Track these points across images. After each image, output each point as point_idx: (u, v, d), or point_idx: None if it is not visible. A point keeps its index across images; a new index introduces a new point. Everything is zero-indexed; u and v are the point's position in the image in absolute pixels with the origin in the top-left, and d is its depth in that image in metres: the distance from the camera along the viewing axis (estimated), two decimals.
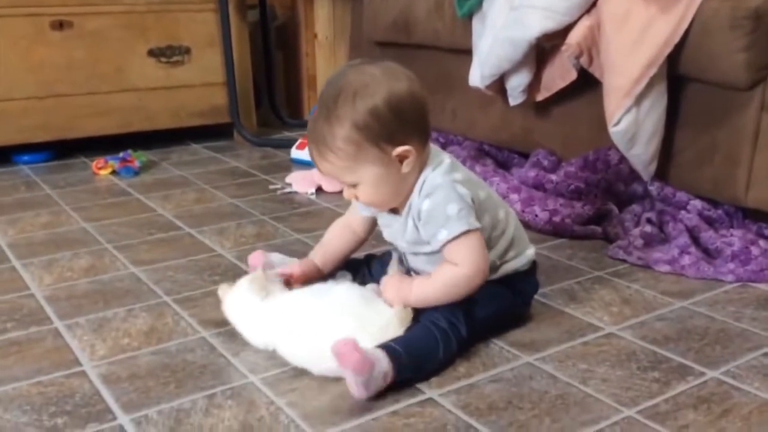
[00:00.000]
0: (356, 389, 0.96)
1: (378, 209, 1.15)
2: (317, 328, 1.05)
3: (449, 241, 1.06)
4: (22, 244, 1.60)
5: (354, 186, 1.08)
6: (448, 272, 1.08)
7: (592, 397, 0.99)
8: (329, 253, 1.24)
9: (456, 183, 1.07)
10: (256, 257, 1.30)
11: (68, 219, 1.77)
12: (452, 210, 1.05)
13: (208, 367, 1.08)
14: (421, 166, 1.08)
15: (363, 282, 1.20)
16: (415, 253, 1.14)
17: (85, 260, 1.50)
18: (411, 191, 1.09)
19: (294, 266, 1.21)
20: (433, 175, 1.07)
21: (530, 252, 1.19)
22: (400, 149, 1.04)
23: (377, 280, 1.16)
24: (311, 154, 1.09)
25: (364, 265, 1.26)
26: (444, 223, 1.05)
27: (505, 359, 1.09)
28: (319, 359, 1.02)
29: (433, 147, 1.12)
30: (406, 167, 1.06)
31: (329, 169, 1.07)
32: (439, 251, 1.08)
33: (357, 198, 1.10)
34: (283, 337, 1.08)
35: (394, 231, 1.15)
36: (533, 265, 1.21)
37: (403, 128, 1.04)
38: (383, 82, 1.02)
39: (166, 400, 0.99)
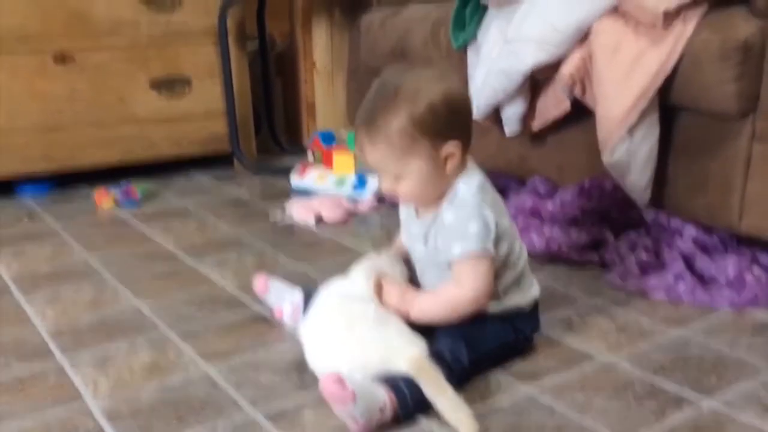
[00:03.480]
0: (347, 421, 0.98)
1: (416, 205, 1.18)
2: (330, 346, 1.09)
3: (460, 259, 1.09)
4: (26, 277, 1.62)
5: (398, 179, 1.12)
6: (451, 294, 1.12)
7: (589, 429, 1.00)
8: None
9: (484, 204, 1.10)
10: (260, 282, 1.36)
11: (71, 251, 1.79)
12: (473, 228, 1.08)
13: (210, 402, 1.09)
14: (459, 171, 1.12)
15: None
16: (430, 263, 1.17)
17: (87, 294, 1.52)
18: (443, 196, 1.13)
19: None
20: (465, 190, 1.11)
21: (534, 290, 1.21)
22: (449, 149, 1.09)
23: None
24: (359, 143, 1.12)
25: None
26: (461, 238, 1.09)
27: (503, 390, 1.11)
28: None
29: (471, 161, 1.16)
30: (450, 168, 1.10)
31: (377, 158, 1.11)
32: (448, 268, 1.11)
33: (395, 191, 1.13)
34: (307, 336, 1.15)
35: (412, 235, 1.19)
36: (535, 304, 1.22)
37: (454, 128, 1.09)
38: (439, 82, 1.09)
39: None
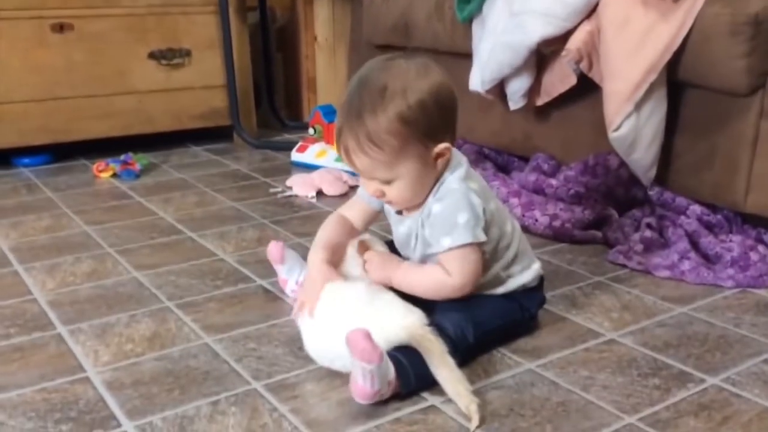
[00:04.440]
0: (361, 382, 0.96)
1: (404, 207, 1.13)
2: (325, 325, 1.07)
3: (450, 249, 1.06)
4: (24, 248, 1.61)
5: (388, 183, 1.06)
6: (438, 276, 1.09)
7: (593, 404, 1.00)
8: (337, 250, 1.20)
9: (471, 191, 1.07)
10: (277, 249, 1.31)
11: (70, 222, 1.78)
12: (462, 218, 1.05)
13: (212, 373, 1.09)
14: (447, 165, 1.09)
15: None
16: (425, 256, 1.14)
17: (87, 264, 1.51)
18: (430, 192, 1.09)
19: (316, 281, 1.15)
20: (450, 179, 1.08)
21: (536, 266, 1.19)
22: (441, 146, 1.05)
23: None
24: (345, 149, 1.05)
25: None
26: (450, 230, 1.05)
27: (506, 366, 1.10)
28: (322, 355, 1.08)
29: (454, 150, 1.12)
30: (440, 165, 1.07)
31: (366, 163, 1.04)
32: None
33: (383, 195, 1.08)
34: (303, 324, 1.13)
35: (400, 235, 1.15)
36: (540, 280, 1.21)
37: (443, 124, 1.05)
38: (426, 76, 1.03)
39: (170, 407, 1.00)
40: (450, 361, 1.00)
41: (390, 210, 1.17)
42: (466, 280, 1.08)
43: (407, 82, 1.02)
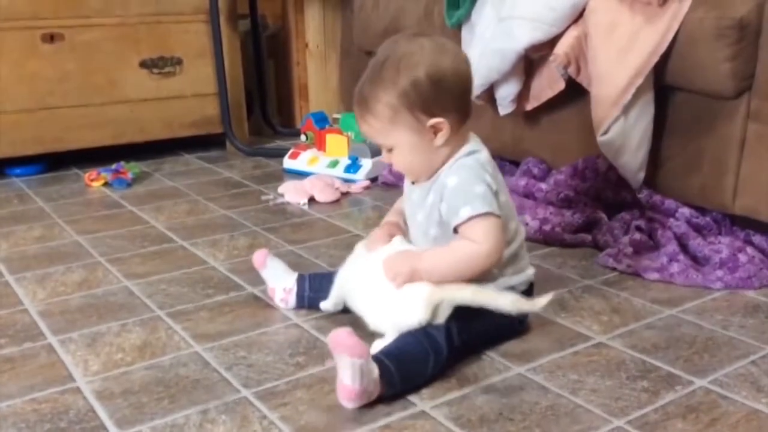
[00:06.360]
0: (349, 381, 0.97)
1: (411, 177, 1.19)
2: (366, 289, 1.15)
3: (470, 218, 1.07)
4: (15, 259, 1.61)
5: (390, 150, 1.14)
6: (465, 249, 1.09)
7: (581, 408, 1.00)
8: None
9: (485, 172, 1.11)
10: (260, 256, 1.33)
11: (61, 232, 1.78)
12: (479, 189, 1.08)
13: (202, 381, 1.09)
14: (456, 143, 1.12)
15: None
16: (425, 234, 1.17)
17: (78, 274, 1.51)
18: (442, 166, 1.13)
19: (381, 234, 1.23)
20: (466, 159, 1.12)
21: (530, 272, 1.21)
22: (434, 120, 1.08)
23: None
24: (356, 116, 1.15)
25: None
26: (469, 200, 1.08)
27: (496, 370, 1.10)
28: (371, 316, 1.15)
29: (476, 137, 1.16)
30: (439, 140, 1.10)
31: (367, 130, 1.14)
32: (454, 231, 1.10)
33: (390, 162, 1.15)
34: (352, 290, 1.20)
35: (413, 202, 1.19)
36: (529, 285, 1.22)
37: (440, 101, 1.08)
38: (429, 55, 1.07)
39: (159, 416, 1.00)
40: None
41: (407, 179, 1.22)
42: (494, 245, 1.08)
43: (407, 58, 1.07)
